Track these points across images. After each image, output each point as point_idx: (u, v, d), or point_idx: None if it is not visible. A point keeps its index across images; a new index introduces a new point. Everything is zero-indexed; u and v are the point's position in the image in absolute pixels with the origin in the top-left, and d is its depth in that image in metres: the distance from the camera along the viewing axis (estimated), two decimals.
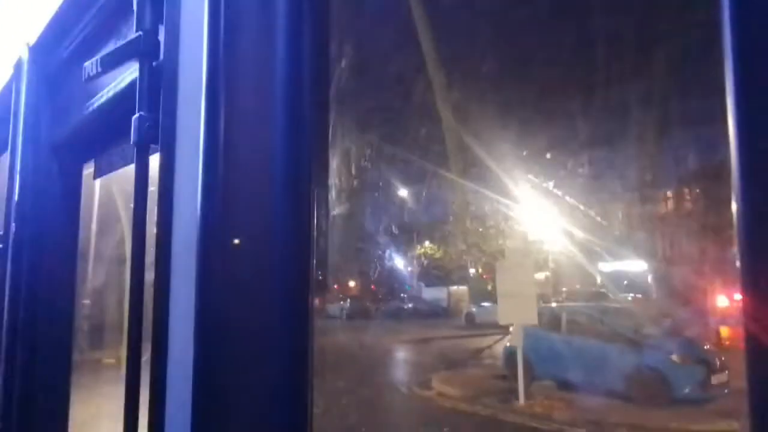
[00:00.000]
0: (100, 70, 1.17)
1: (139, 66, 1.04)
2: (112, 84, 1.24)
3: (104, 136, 1.32)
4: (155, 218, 0.98)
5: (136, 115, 1.04)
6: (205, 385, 0.84)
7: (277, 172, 0.83)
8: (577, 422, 8.01)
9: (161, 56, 0.98)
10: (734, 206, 0.55)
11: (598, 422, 8.00)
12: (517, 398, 9.17)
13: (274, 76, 0.82)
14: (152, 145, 1.02)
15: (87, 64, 1.19)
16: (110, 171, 1.56)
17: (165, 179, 0.96)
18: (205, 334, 0.84)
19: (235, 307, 0.82)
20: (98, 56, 1.14)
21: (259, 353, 0.83)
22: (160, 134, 0.98)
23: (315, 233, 0.84)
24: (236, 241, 0.81)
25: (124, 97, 1.11)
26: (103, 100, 1.29)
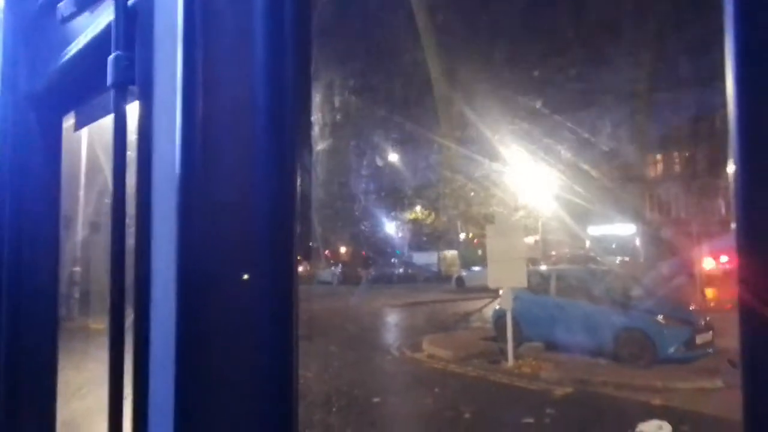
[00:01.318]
0: (74, 10, 1.14)
1: (114, 3, 1.02)
2: (89, 28, 1.21)
3: (83, 84, 1.29)
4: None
5: (112, 55, 1.01)
6: (187, 347, 0.83)
7: (258, 113, 0.81)
8: (564, 382, 8.16)
9: None
10: (731, 170, 0.55)
11: (585, 381, 8.16)
12: (506, 359, 9.32)
13: (253, 10, 0.80)
14: (130, 87, 0.99)
15: (61, 5, 1.15)
16: (91, 121, 1.53)
17: (143, 121, 0.94)
18: (188, 291, 0.83)
19: (216, 259, 0.81)
20: None
21: (243, 310, 0.82)
22: (137, 74, 0.96)
23: (299, 173, 0.83)
24: (217, 186, 0.80)
25: (102, 41, 1.07)
26: (80, 45, 1.26)
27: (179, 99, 0.82)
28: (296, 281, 0.86)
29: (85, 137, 2.15)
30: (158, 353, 0.91)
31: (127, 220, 1.02)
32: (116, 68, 1.01)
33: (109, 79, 1.01)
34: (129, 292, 1.02)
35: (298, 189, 0.85)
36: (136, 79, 0.97)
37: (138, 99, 0.97)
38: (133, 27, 1.00)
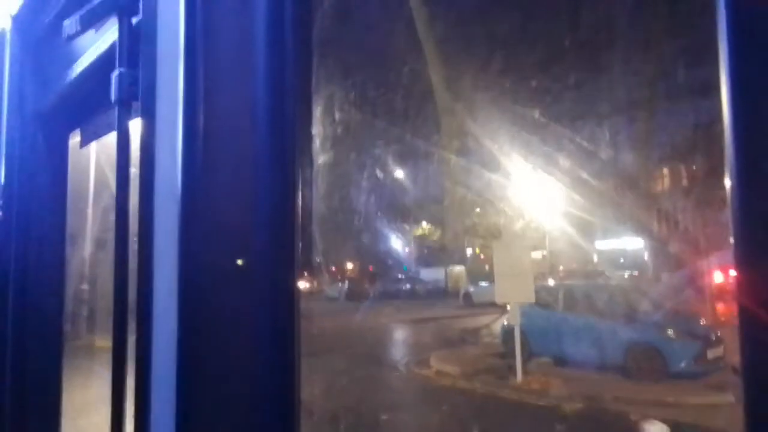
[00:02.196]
0: (79, 28, 1.15)
1: (119, 22, 1.03)
2: (94, 47, 1.23)
3: (88, 102, 1.31)
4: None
5: (116, 72, 1.03)
6: (189, 362, 0.83)
7: (259, 128, 0.82)
8: (573, 397, 8.08)
9: (140, 11, 0.97)
10: (728, 183, 0.55)
11: (595, 397, 8.07)
12: (514, 375, 9.24)
13: (254, 26, 0.81)
14: (134, 103, 1.01)
15: (66, 23, 1.17)
16: (96, 138, 1.55)
17: (146, 137, 0.95)
18: (190, 306, 0.83)
19: (218, 273, 0.81)
20: (77, 15, 1.13)
21: (245, 325, 0.82)
22: (140, 91, 0.97)
23: (300, 187, 0.84)
24: (219, 201, 0.81)
25: (106, 59, 1.09)
26: (85, 64, 1.27)
27: (181, 115, 0.83)
28: (298, 293, 0.86)
29: (93, 154, 2.17)
30: (160, 369, 0.91)
31: (133, 237, 1.03)
32: (120, 85, 1.02)
33: (113, 96, 1.03)
34: (133, 306, 1.02)
35: (300, 203, 0.85)
36: (140, 95, 0.99)
37: (141, 115, 0.98)
38: (137, 45, 1.02)
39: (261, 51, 0.81)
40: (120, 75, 1.02)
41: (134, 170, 1.00)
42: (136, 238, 0.99)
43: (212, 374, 0.82)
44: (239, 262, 0.82)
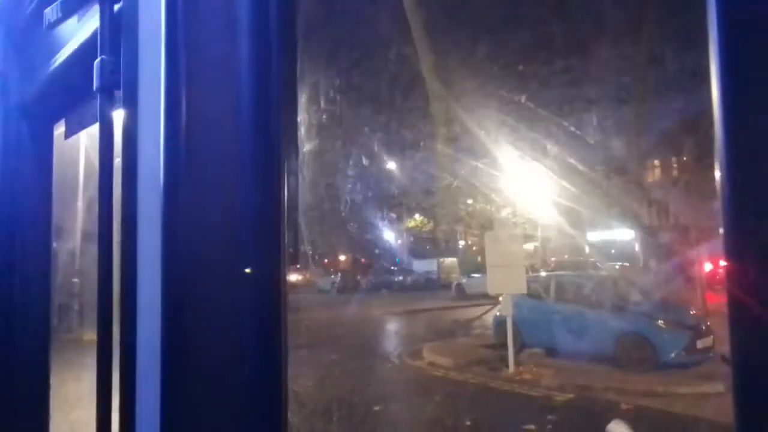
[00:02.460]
0: (60, 15, 1.13)
1: (100, 9, 1.02)
2: (76, 35, 1.21)
3: (72, 91, 1.29)
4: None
5: (98, 59, 1.01)
6: (173, 352, 0.82)
7: (243, 115, 0.81)
8: (565, 388, 8.14)
9: None
10: (717, 174, 0.55)
11: (586, 387, 8.13)
12: (506, 366, 9.29)
13: (237, 12, 0.80)
14: (116, 91, 0.99)
15: (47, 10, 1.16)
16: (81, 129, 1.53)
17: (128, 125, 0.94)
18: (173, 295, 0.82)
19: (202, 262, 0.80)
20: (58, 2, 1.11)
21: (229, 314, 0.81)
22: (122, 78, 0.96)
23: (285, 176, 0.83)
24: (202, 190, 0.80)
25: (89, 47, 1.07)
26: (68, 53, 1.26)
27: (163, 103, 0.82)
28: (284, 285, 0.84)
29: (83, 147, 2.14)
30: (145, 363, 0.89)
31: (118, 228, 1.01)
32: (102, 73, 1.01)
33: (95, 84, 1.01)
34: (118, 299, 1.00)
35: (285, 192, 0.84)
36: (122, 83, 0.97)
37: (123, 103, 0.97)
38: (119, 32, 1.00)
39: (244, 37, 0.80)
40: (101, 62, 1.00)
41: (119, 161, 0.99)
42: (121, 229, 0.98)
43: (197, 368, 0.81)
44: (224, 252, 0.81)
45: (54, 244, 1.73)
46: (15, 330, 1.68)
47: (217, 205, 0.81)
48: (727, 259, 0.55)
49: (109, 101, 1.02)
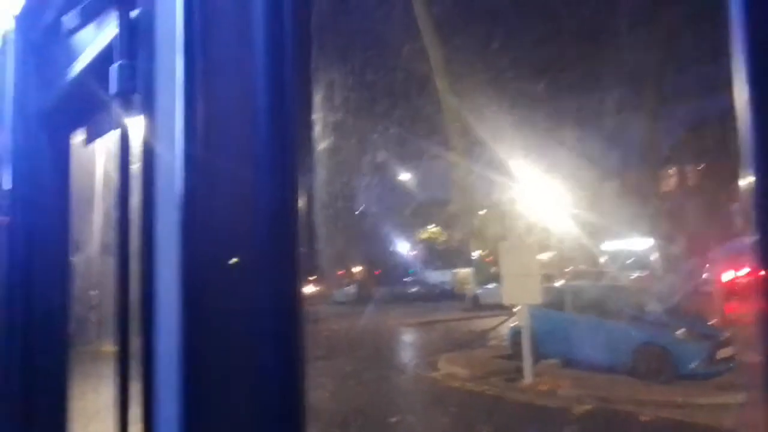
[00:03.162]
0: (79, 22, 1.15)
1: (118, 15, 1.03)
2: (94, 43, 1.23)
3: (90, 99, 1.30)
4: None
5: (115, 64, 1.02)
6: (193, 366, 0.82)
7: (259, 118, 0.82)
8: (583, 399, 8.04)
9: (139, 3, 0.97)
10: (746, 180, 0.54)
11: (605, 398, 8.03)
12: (523, 377, 9.20)
13: (252, 14, 0.81)
14: (134, 96, 1.00)
15: (65, 18, 1.18)
16: (99, 136, 1.55)
17: (146, 129, 0.95)
18: (191, 306, 0.82)
19: (220, 266, 0.81)
20: (77, 9, 1.14)
21: (246, 321, 0.81)
22: (139, 82, 0.97)
23: (300, 180, 0.83)
24: (220, 194, 0.80)
25: (107, 55, 1.09)
26: (86, 61, 1.28)
27: (180, 106, 0.83)
28: (301, 294, 0.84)
29: (101, 160, 2.17)
30: (163, 373, 0.89)
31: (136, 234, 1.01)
32: (120, 77, 1.02)
33: (113, 89, 1.02)
34: (136, 308, 1.00)
35: (298, 198, 0.84)
36: (139, 87, 0.98)
37: (141, 108, 0.98)
38: (136, 37, 1.01)
39: (259, 38, 0.81)
40: (119, 67, 1.01)
41: (136, 167, 0.99)
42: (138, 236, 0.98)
43: (216, 378, 0.81)
44: (240, 258, 0.81)
45: (72, 256, 1.75)
46: (34, 341, 1.69)
47: (233, 206, 0.82)
48: (757, 268, 0.54)
49: (126, 106, 1.03)
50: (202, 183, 0.83)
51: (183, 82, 0.84)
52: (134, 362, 1.01)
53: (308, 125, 0.96)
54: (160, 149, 0.93)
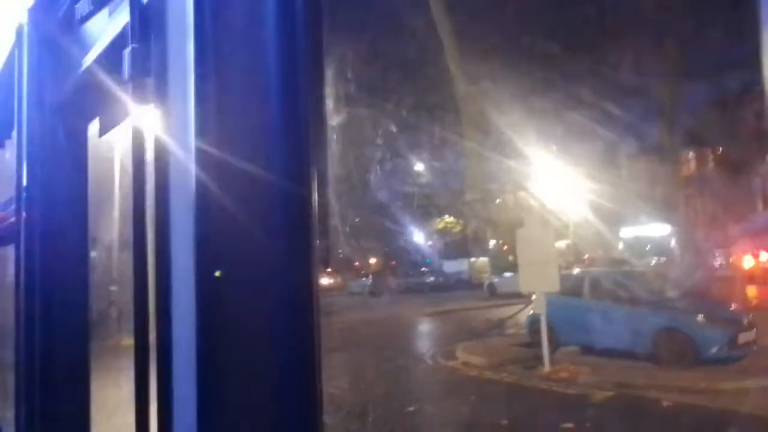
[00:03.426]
0: (92, 8, 1.15)
1: (130, 1, 1.03)
2: (107, 32, 1.23)
3: (105, 88, 1.30)
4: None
5: (129, 48, 1.02)
6: (209, 361, 0.81)
7: (271, 99, 0.81)
8: (603, 385, 7.99)
9: None
10: None
11: (625, 384, 7.97)
12: (542, 365, 9.17)
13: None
14: (147, 80, 0.99)
15: (78, 5, 1.17)
16: (115, 125, 1.55)
17: (160, 114, 0.94)
18: (206, 298, 0.81)
19: (235, 257, 0.80)
20: None
21: (262, 312, 0.80)
22: (153, 66, 0.96)
23: (315, 165, 0.82)
24: (233, 178, 0.79)
25: (120, 42, 1.08)
26: (99, 50, 1.27)
27: (192, 88, 0.82)
28: (317, 285, 0.83)
29: (120, 150, 2.16)
30: (181, 369, 0.88)
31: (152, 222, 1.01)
32: (133, 61, 1.01)
33: (126, 73, 1.01)
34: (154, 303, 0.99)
35: (315, 182, 0.83)
36: (152, 71, 0.97)
37: (154, 91, 0.97)
38: (148, 21, 1.01)
39: (270, 17, 0.80)
40: (132, 51, 1.01)
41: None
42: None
43: (232, 371, 0.80)
44: (256, 249, 0.80)
45: (92, 251, 1.76)
46: (54, 336, 1.70)
47: (248, 195, 0.81)
48: None
49: (140, 92, 1.02)
50: (215, 169, 0.82)
51: (195, 64, 0.83)
52: (153, 356, 1.01)
53: (321, 102, 0.94)
54: (173, 135, 0.92)
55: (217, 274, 0.81)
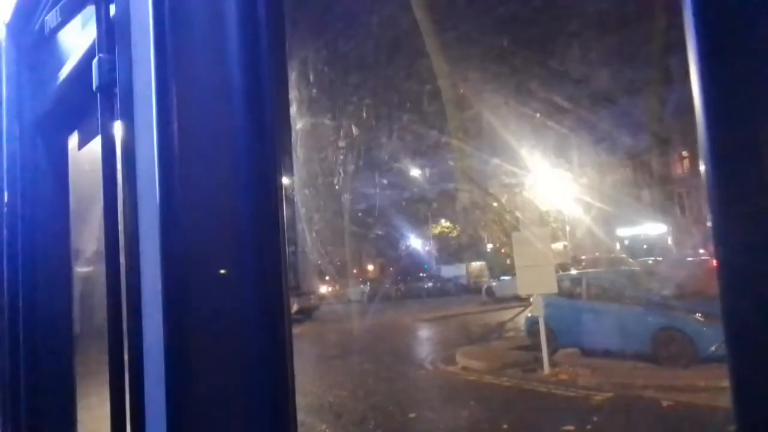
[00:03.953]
0: (60, 20, 1.14)
1: (96, 11, 1.02)
2: (80, 44, 1.22)
3: (81, 100, 1.30)
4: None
5: (96, 58, 1.01)
6: (176, 356, 0.80)
7: (235, 103, 0.80)
8: (603, 387, 7.97)
9: None
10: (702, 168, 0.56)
11: (625, 385, 7.95)
12: (541, 367, 9.15)
13: None
14: (115, 90, 0.99)
15: (47, 17, 1.16)
16: (94, 137, 1.54)
17: (125, 123, 0.94)
18: (173, 295, 0.81)
19: (200, 258, 0.79)
20: (57, 7, 1.12)
21: (230, 312, 0.79)
22: (118, 76, 0.96)
23: (281, 168, 0.81)
24: (197, 183, 0.78)
25: (91, 53, 1.08)
26: (74, 62, 1.27)
27: (155, 97, 0.81)
28: (286, 286, 0.82)
29: (98, 162, 2.15)
30: (151, 363, 0.88)
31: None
32: (100, 71, 1.01)
33: (95, 83, 1.01)
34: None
35: (281, 184, 0.83)
36: (118, 81, 0.97)
37: (119, 101, 0.97)
38: (114, 30, 1.00)
39: (233, 22, 0.80)
40: (99, 61, 1.00)
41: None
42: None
43: (200, 373, 0.80)
44: (223, 248, 0.79)
45: (78, 264, 1.75)
46: (39, 347, 1.70)
47: (214, 202, 0.80)
48: (715, 254, 0.56)
49: (108, 100, 1.01)
50: (179, 178, 0.81)
51: (155, 72, 0.82)
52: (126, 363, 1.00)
53: (286, 108, 0.94)
54: (138, 144, 0.92)
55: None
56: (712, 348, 8.80)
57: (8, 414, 1.77)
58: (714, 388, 7.44)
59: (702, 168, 0.55)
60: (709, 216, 0.55)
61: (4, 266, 1.76)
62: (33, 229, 1.66)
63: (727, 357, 0.52)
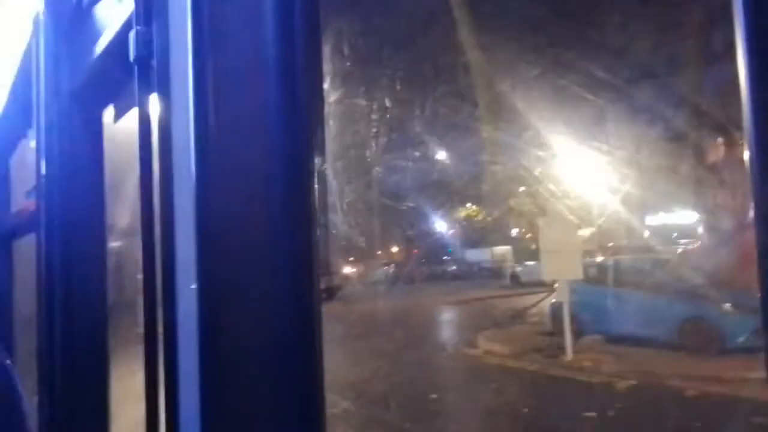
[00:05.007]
0: None
1: None
2: (117, 16, 1.24)
3: (118, 73, 1.32)
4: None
5: (133, 30, 1.03)
6: (211, 353, 0.82)
7: (269, 79, 0.81)
8: (626, 374, 7.91)
9: None
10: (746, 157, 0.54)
11: (649, 373, 7.88)
12: (564, 353, 9.12)
13: None
14: (152, 62, 1.00)
15: None
16: (128, 109, 1.56)
17: (162, 95, 0.95)
18: (207, 289, 0.82)
19: (234, 250, 0.80)
20: None
21: (262, 310, 0.80)
22: (155, 47, 0.97)
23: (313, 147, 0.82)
24: (231, 161, 0.80)
25: (128, 29, 1.09)
26: (111, 35, 1.29)
27: (191, 69, 0.83)
28: (318, 276, 0.83)
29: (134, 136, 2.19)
30: (185, 366, 0.89)
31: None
32: (137, 44, 1.02)
33: (132, 55, 1.02)
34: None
35: (314, 164, 0.83)
36: (155, 54, 0.98)
37: (156, 73, 0.98)
38: (152, 2, 1.01)
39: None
40: (136, 33, 1.02)
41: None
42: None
43: (234, 363, 0.81)
44: (255, 232, 0.80)
45: (112, 238, 1.79)
46: (74, 321, 1.73)
47: (247, 170, 0.81)
48: (758, 245, 0.55)
49: (145, 72, 1.03)
50: (213, 151, 0.82)
51: (192, 44, 0.84)
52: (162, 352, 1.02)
53: (319, 81, 0.94)
54: (174, 116, 0.93)
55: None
56: (740, 339, 8.67)
57: (45, 380, 1.83)
58: (741, 378, 7.34)
59: (747, 157, 0.55)
60: (751, 206, 0.55)
61: (42, 236, 1.81)
62: (69, 200, 1.70)
63: (764, 346, 0.52)
